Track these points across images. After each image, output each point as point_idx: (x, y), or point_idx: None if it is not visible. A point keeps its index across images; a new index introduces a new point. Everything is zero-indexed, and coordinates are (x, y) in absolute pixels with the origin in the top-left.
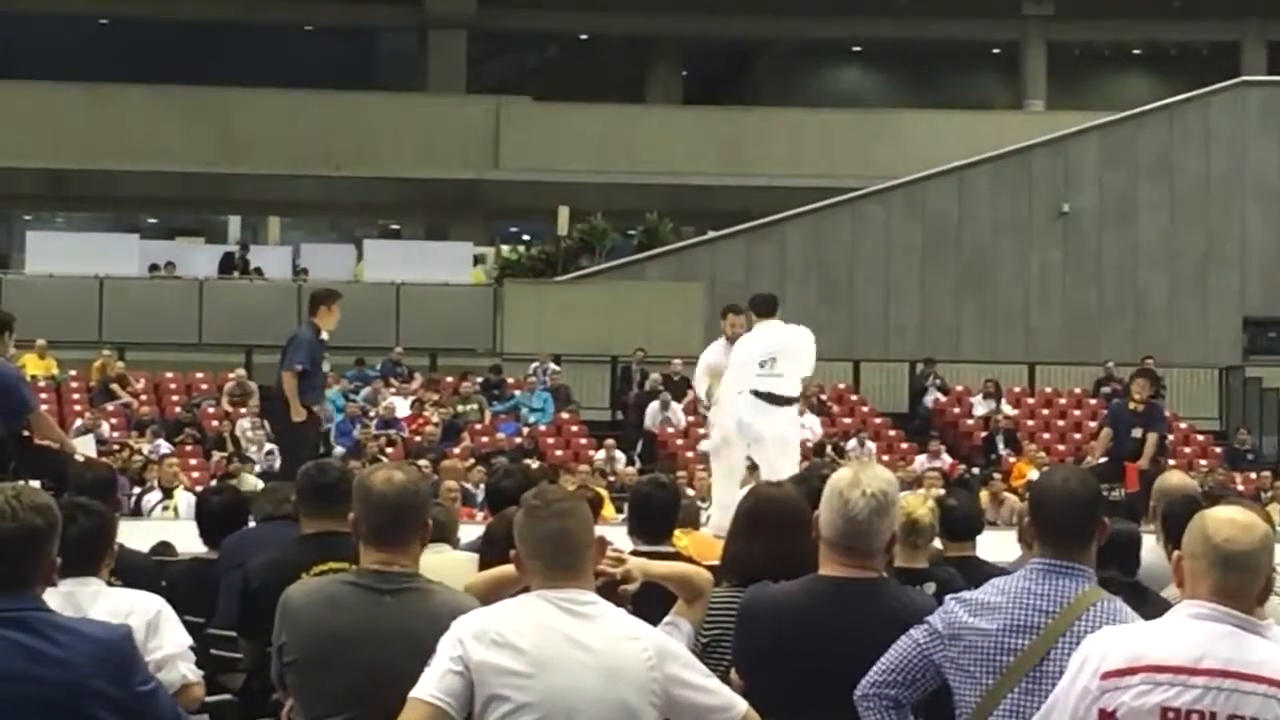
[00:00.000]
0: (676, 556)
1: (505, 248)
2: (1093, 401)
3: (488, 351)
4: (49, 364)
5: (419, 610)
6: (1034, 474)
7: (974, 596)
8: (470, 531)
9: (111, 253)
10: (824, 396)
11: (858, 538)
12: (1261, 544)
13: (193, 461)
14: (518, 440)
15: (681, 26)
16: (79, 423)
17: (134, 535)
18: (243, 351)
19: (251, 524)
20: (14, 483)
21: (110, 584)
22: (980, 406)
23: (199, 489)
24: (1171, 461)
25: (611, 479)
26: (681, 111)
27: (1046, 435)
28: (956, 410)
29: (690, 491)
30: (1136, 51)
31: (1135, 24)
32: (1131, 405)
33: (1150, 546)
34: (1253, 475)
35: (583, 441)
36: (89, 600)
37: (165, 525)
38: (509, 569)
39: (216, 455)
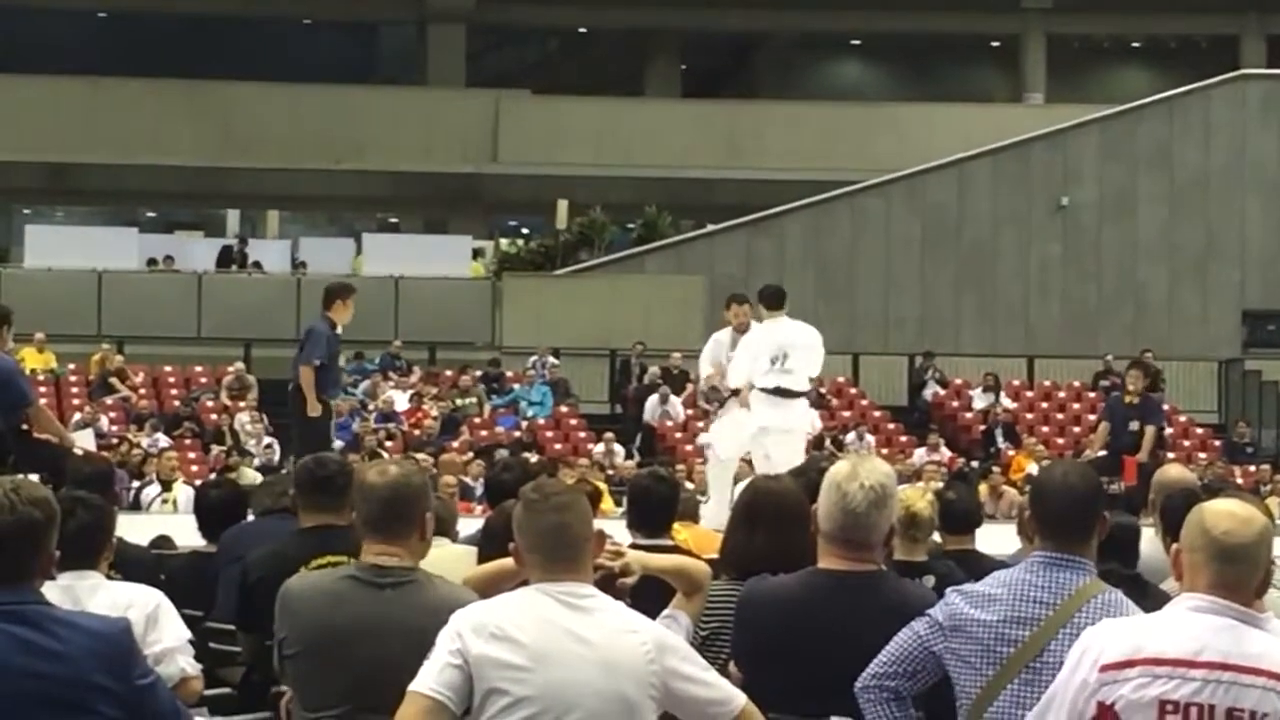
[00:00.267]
0: (675, 550)
1: (504, 241)
2: (1092, 395)
3: (486, 345)
4: (48, 358)
5: (418, 604)
6: (1033, 467)
7: (975, 589)
8: (469, 525)
9: (110, 246)
10: (823, 390)
11: (856, 530)
12: (1260, 537)
13: (191, 455)
14: (516, 434)
15: (680, 20)
16: (78, 416)
17: (133, 529)
18: (241, 345)
19: (250, 518)
20: (13, 476)
21: (109, 577)
22: (979, 400)
23: (198, 483)
24: (1170, 454)
25: (610, 472)
26: (680, 105)
27: (1045, 429)
28: (955, 404)
29: (689, 485)
30: (1136, 45)
31: (1134, 17)
32: (1126, 398)
33: (1149, 539)
34: (1252, 468)
35: (582, 435)
36: (88, 594)
37: (164, 519)
38: (508, 562)
39: (215, 449)
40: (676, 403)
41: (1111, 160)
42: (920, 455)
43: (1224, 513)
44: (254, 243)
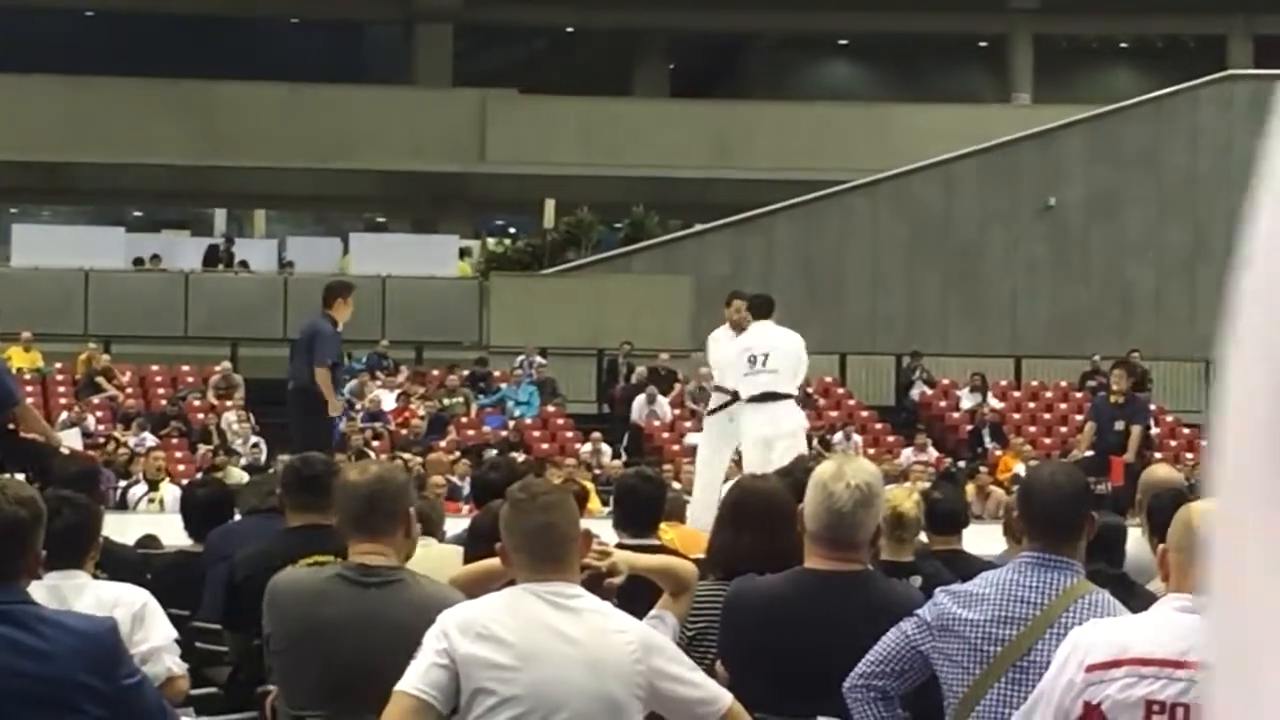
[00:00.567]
0: (662, 549)
1: (491, 240)
2: (1079, 395)
3: (474, 344)
4: (34, 357)
5: (405, 602)
6: (1020, 468)
7: (963, 588)
8: (456, 525)
9: (97, 246)
10: (810, 390)
11: (842, 530)
12: None
13: (178, 454)
14: (504, 433)
15: (668, 19)
16: (65, 416)
17: (120, 528)
18: (228, 344)
19: (237, 517)
20: None
21: (95, 577)
22: (966, 400)
23: (185, 482)
24: (1158, 454)
25: (598, 472)
26: (668, 104)
27: (1033, 429)
28: (943, 404)
29: (676, 485)
30: (1123, 45)
31: (1122, 18)
32: (1111, 398)
33: (1136, 539)
34: None
35: (569, 434)
36: (74, 593)
37: (151, 518)
38: (494, 562)
39: (202, 448)
40: (664, 402)
41: (1099, 160)
42: (907, 455)
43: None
44: (241, 242)
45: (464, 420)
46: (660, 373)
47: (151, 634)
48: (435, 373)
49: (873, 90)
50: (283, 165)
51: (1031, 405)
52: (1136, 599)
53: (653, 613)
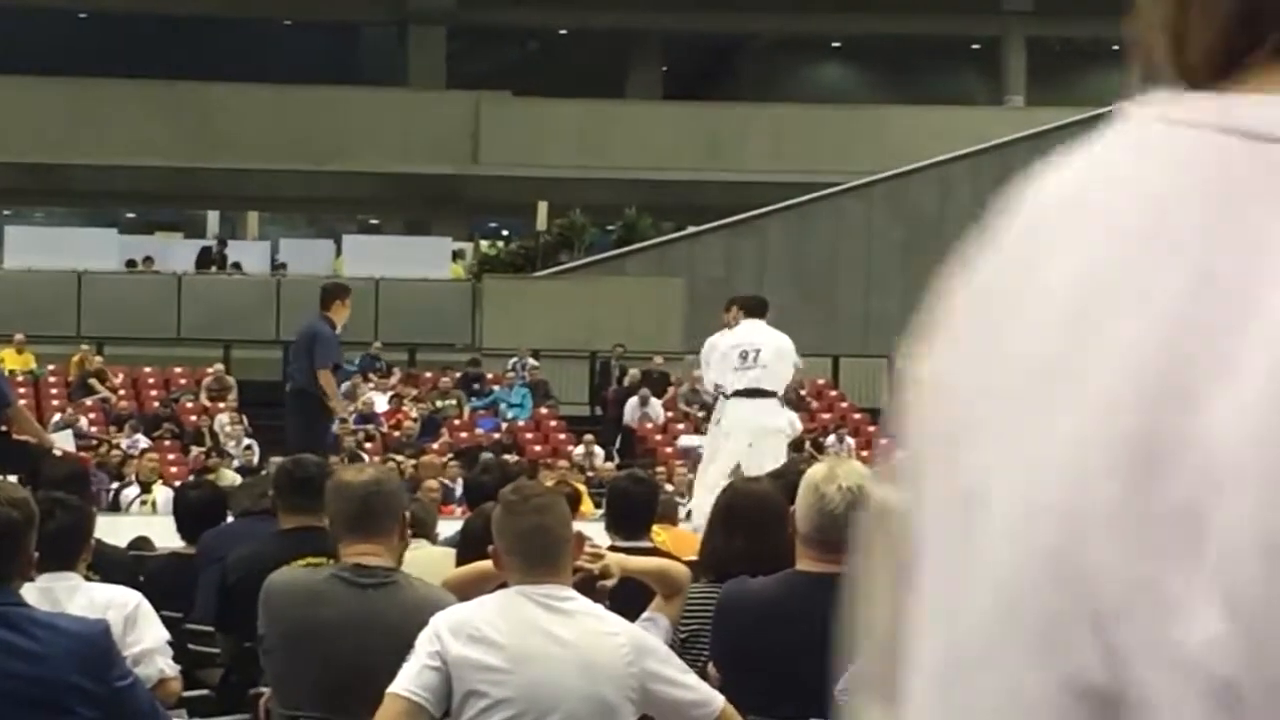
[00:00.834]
0: (654, 552)
1: (484, 243)
2: None
3: (466, 347)
4: (27, 358)
5: (399, 604)
6: None
7: None
8: (448, 527)
9: (90, 247)
10: (803, 391)
11: (834, 532)
12: None
13: (171, 456)
14: (496, 436)
15: (662, 22)
16: (57, 417)
17: (112, 530)
18: (221, 346)
19: (229, 519)
20: None
21: (88, 579)
22: None
23: (177, 484)
24: None
25: (590, 474)
26: (661, 107)
27: None
28: None
29: (669, 487)
30: (1116, 47)
31: (1116, 20)
32: None
33: None
34: None
35: (561, 437)
36: (66, 595)
37: (143, 520)
38: (487, 564)
39: (195, 450)
40: (656, 405)
41: None
42: None
43: None
44: (234, 244)
45: (457, 422)
46: (653, 375)
47: (144, 636)
48: (428, 375)
49: (866, 92)
50: (276, 167)
51: None
52: None
53: (645, 615)
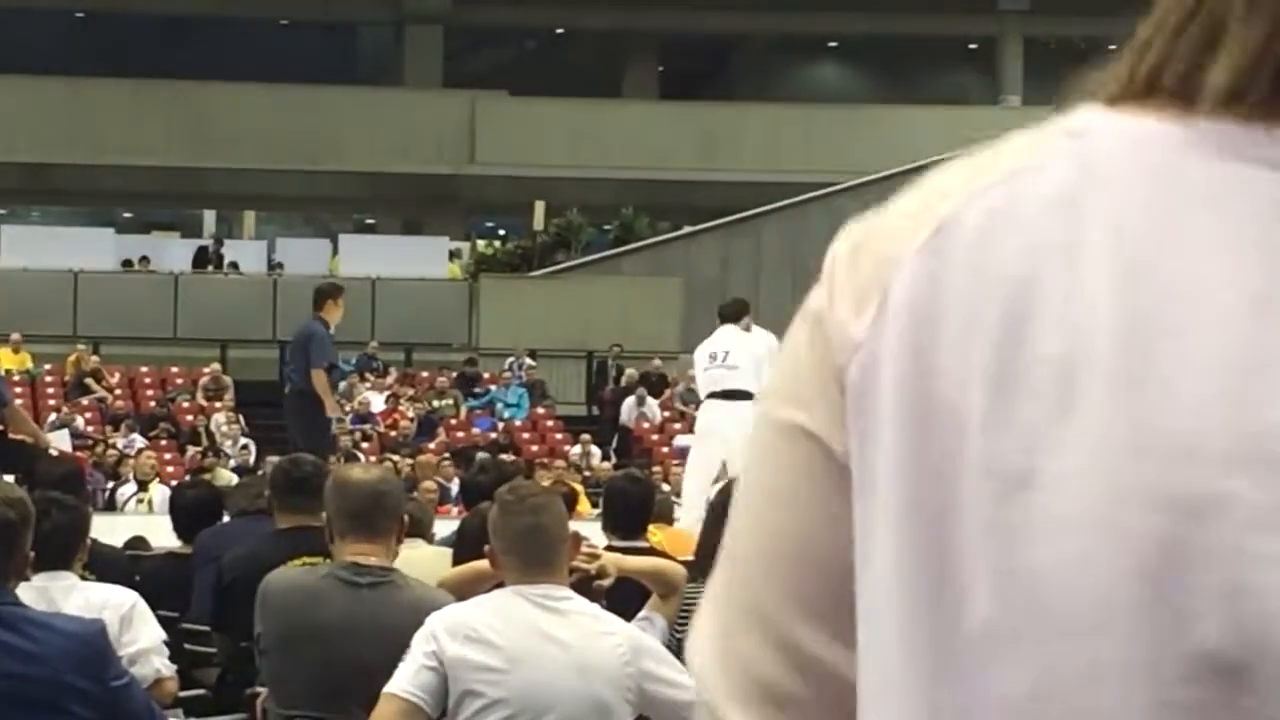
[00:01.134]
0: (651, 552)
1: (481, 242)
2: None
3: (463, 346)
4: (23, 358)
5: (395, 603)
6: None
7: None
8: (445, 527)
9: (86, 247)
10: None
11: None
12: None
13: (167, 456)
14: (493, 435)
15: (658, 21)
16: (54, 417)
17: (108, 529)
18: (218, 346)
19: (226, 519)
20: None
21: (84, 579)
22: None
23: (174, 483)
24: None
25: (587, 474)
26: (658, 106)
27: None
28: None
29: (665, 487)
30: (1113, 47)
31: (1112, 19)
32: None
33: None
34: None
35: (558, 437)
36: (63, 595)
37: (140, 519)
38: (483, 564)
39: (191, 450)
40: (653, 405)
41: None
42: None
43: None
44: (230, 243)
45: (453, 422)
46: (650, 375)
47: (140, 636)
48: (424, 374)
49: (862, 92)
50: (272, 167)
51: None
52: None
53: (641, 615)
